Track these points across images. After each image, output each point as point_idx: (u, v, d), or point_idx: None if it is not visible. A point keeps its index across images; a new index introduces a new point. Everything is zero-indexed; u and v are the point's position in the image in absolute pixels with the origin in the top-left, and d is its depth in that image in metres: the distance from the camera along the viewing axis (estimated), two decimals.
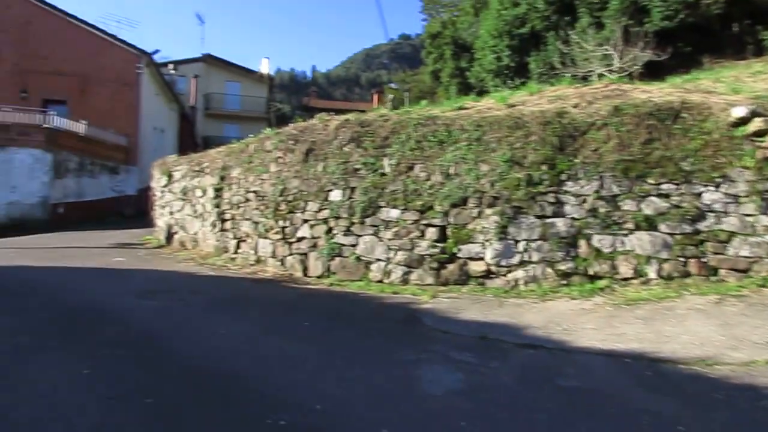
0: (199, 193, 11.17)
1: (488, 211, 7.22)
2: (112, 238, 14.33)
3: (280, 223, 8.82)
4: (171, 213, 12.19)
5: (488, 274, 7.15)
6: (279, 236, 8.82)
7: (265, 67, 39.49)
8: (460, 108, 8.92)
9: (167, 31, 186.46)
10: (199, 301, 6.66)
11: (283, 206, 8.87)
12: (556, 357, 4.48)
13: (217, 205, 10.40)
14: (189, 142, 33.65)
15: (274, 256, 8.89)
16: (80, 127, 20.15)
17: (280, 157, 9.23)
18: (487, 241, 7.15)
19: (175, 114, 29.91)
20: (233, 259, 9.77)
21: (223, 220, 10.22)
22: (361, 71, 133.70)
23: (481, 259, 7.17)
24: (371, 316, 5.97)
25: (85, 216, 20.07)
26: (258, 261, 9.21)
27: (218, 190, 10.48)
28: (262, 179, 9.46)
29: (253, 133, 10.71)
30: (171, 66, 30.74)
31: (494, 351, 4.65)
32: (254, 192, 9.56)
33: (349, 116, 8.97)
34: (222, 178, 10.49)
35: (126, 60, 22.87)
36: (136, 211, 22.07)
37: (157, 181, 13.09)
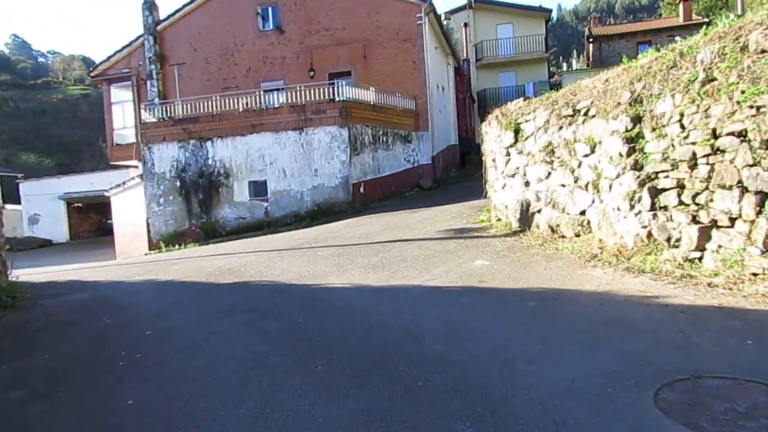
0: (582, 149, 7.02)
1: None
2: (432, 221, 11.37)
3: None
4: (526, 183, 8.36)
5: None
6: None
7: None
8: None
9: None
10: None
11: None
12: None
13: (635, 166, 6.07)
14: (465, 98, 30.60)
15: None
16: (370, 95, 18.15)
17: None
18: None
19: (451, 69, 26.83)
20: (692, 260, 5.36)
21: (653, 191, 5.86)
22: None
23: None
24: None
25: (383, 192, 18.19)
26: None
27: (631, 140, 6.14)
28: (754, 106, 4.75)
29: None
30: (443, 17, 27.66)
31: None
32: (734, 134, 4.94)
33: None
34: (636, 119, 6.11)
35: (405, 11, 20.17)
36: (433, 182, 19.50)
37: (496, 140, 9.36)
